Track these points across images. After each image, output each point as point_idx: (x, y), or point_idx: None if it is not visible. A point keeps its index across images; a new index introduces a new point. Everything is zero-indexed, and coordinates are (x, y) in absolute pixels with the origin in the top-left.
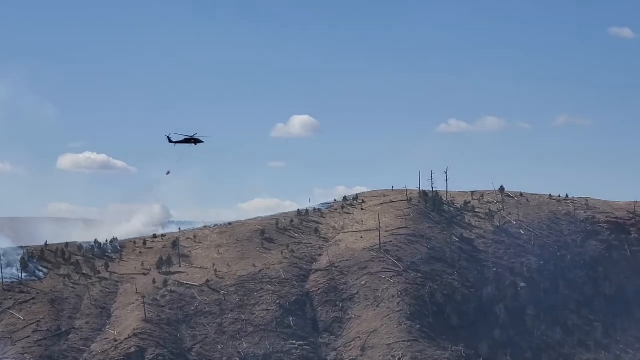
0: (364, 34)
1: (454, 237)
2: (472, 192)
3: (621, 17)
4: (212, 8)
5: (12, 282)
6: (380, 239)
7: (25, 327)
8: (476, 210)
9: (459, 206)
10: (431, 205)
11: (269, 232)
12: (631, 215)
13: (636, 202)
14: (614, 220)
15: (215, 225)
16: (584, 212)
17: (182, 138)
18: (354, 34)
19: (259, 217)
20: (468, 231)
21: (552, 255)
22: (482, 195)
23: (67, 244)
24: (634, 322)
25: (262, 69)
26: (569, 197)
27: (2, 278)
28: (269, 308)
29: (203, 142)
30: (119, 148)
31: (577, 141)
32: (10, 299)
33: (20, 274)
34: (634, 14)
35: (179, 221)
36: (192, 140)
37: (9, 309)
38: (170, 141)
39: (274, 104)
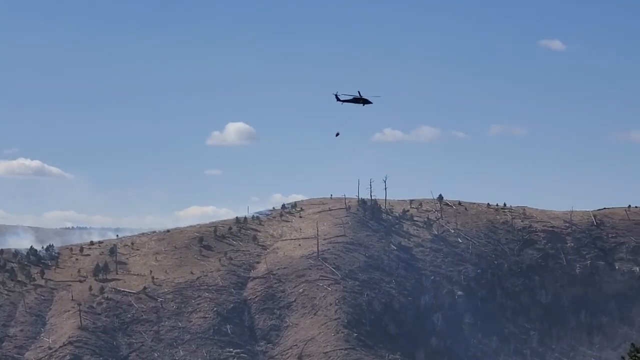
0: (301, 39)
1: (392, 246)
2: (411, 201)
3: (551, 30)
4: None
5: None
6: (318, 247)
7: None
8: (415, 218)
9: (397, 214)
10: (370, 213)
11: (207, 240)
12: (567, 225)
13: (572, 211)
14: (550, 229)
15: (153, 232)
16: (521, 221)
17: (350, 97)
18: (291, 38)
19: (197, 224)
20: (406, 239)
21: (489, 263)
22: (421, 204)
23: (1, 251)
24: (569, 330)
25: (197, 76)
26: (507, 205)
27: None
28: (206, 316)
29: (371, 102)
30: (53, 153)
31: (513, 150)
32: None
33: None
34: (563, 26)
35: (116, 228)
36: (360, 100)
37: None
38: (338, 99)
39: (209, 112)
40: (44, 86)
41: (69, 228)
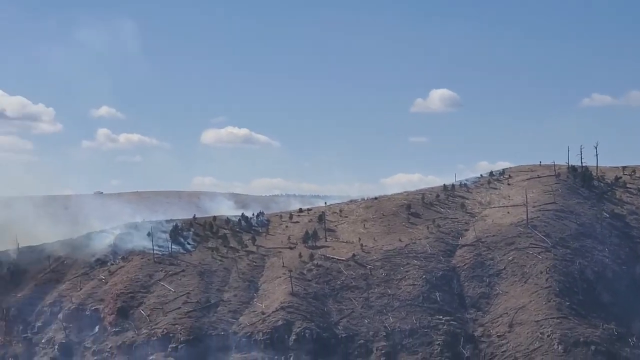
0: (507, 6)
1: (604, 213)
2: (624, 167)
3: None
4: None
5: (163, 255)
6: (527, 215)
7: (175, 298)
8: (627, 185)
9: (609, 181)
10: (580, 180)
11: (415, 207)
12: None
13: None
14: None
15: (361, 200)
16: None
17: None
18: (494, 6)
19: (404, 191)
20: (619, 207)
21: None
22: (634, 171)
23: (214, 218)
24: None
25: (399, 43)
26: None
27: (153, 250)
28: (415, 283)
29: None
30: (260, 122)
31: None
32: (161, 270)
33: (170, 247)
34: None
35: (324, 195)
36: None
37: (160, 280)
38: None
39: (412, 79)
40: (252, 55)
41: (276, 195)
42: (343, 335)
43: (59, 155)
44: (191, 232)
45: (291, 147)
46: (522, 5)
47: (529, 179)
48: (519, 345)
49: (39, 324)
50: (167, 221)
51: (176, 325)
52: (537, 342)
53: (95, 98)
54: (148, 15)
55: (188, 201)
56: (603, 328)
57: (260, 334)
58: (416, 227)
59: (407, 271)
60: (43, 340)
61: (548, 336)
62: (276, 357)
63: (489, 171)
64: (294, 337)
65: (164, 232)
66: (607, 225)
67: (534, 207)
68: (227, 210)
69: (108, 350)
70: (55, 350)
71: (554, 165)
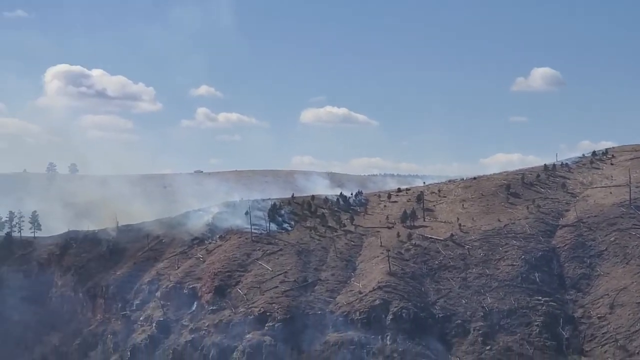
0: None
1: None
2: None
3: None
4: None
5: (260, 234)
6: (630, 195)
7: (272, 277)
8: None
9: None
10: None
11: (515, 187)
12: None
13: None
14: None
15: (459, 180)
16: None
17: None
18: None
19: (503, 171)
20: None
21: None
22: None
23: (313, 197)
24: None
25: (501, 21)
26: None
27: (251, 229)
28: (514, 263)
29: None
30: (359, 101)
31: None
32: (259, 249)
33: (268, 226)
34: None
35: (422, 175)
36: None
37: (257, 259)
38: None
39: (513, 57)
40: (351, 35)
41: (373, 175)
42: (440, 315)
43: (158, 134)
44: (289, 211)
45: (390, 126)
46: None
47: (633, 158)
48: (620, 327)
49: (137, 301)
50: (265, 200)
51: (273, 304)
52: (638, 324)
53: (194, 77)
54: None
55: (285, 180)
56: None
57: (357, 313)
58: (515, 207)
59: (506, 251)
60: (141, 318)
61: None
62: (373, 336)
63: (592, 151)
64: (390, 317)
65: (261, 210)
66: None
67: (637, 187)
68: (323, 189)
69: (205, 328)
70: (153, 327)
71: None
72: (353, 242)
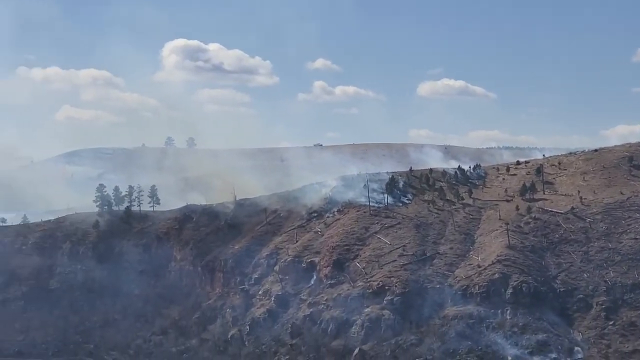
0: None
1: None
2: None
3: None
4: None
5: (379, 207)
6: None
7: (391, 251)
8: None
9: None
10: None
11: (638, 159)
12: None
13: None
14: None
15: (580, 152)
16: None
17: None
18: None
19: (626, 143)
20: None
21: None
22: None
23: (431, 170)
24: None
25: None
26: None
27: (369, 202)
28: (638, 237)
29: None
30: (477, 74)
31: None
32: (377, 223)
33: (386, 200)
34: None
35: (541, 147)
36: None
37: (375, 233)
38: None
39: (634, 26)
40: (467, 6)
41: (490, 148)
42: (561, 290)
43: (275, 108)
44: (406, 184)
45: (507, 99)
46: None
47: None
48: None
49: (255, 275)
50: (380, 173)
51: (392, 278)
52: None
53: (310, 51)
54: None
55: (399, 153)
56: None
57: (476, 287)
58: (638, 179)
59: (629, 225)
60: (260, 292)
61: None
62: (492, 310)
63: None
64: (510, 291)
65: (378, 183)
66: None
67: None
68: (437, 162)
69: (324, 302)
70: (272, 301)
71: None
72: (471, 215)
